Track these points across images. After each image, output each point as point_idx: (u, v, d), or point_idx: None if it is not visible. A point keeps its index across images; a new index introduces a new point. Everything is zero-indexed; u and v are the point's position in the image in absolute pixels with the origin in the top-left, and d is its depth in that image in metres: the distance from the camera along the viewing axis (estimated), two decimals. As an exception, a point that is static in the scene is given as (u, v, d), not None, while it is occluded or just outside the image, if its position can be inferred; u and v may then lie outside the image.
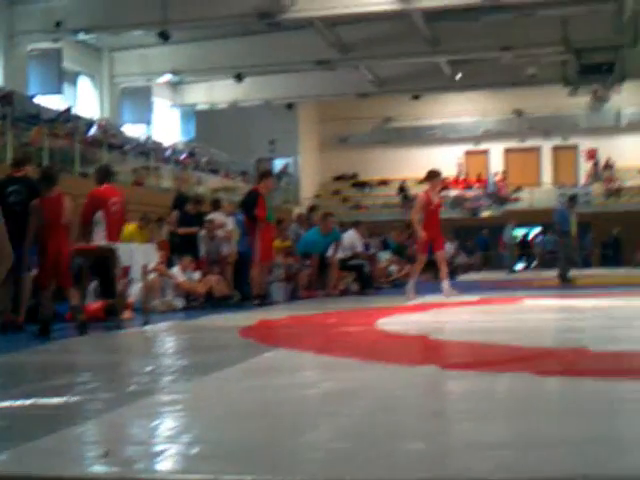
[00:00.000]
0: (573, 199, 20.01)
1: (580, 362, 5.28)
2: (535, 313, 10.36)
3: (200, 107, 35.67)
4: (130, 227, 12.30)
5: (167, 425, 3.61)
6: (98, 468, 2.87)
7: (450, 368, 5.00)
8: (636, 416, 3.60)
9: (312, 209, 19.14)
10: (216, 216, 14.70)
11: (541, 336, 7.52)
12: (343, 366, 5.30)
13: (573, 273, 18.72)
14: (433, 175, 13.80)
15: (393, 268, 21.43)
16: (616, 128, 40.91)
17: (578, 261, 19.42)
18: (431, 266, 25.19)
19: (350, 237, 17.08)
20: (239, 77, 31.38)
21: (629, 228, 35.42)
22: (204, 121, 35.52)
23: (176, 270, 12.98)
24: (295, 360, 5.73)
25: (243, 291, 14.07)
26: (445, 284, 13.52)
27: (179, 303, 12.69)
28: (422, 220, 13.32)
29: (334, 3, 24.99)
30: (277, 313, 11.05)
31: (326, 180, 43.43)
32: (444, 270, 13.80)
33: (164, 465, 2.88)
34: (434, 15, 27.66)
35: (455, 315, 10.23)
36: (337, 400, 4.12)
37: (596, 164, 41.10)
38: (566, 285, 17.57)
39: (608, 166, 41.02)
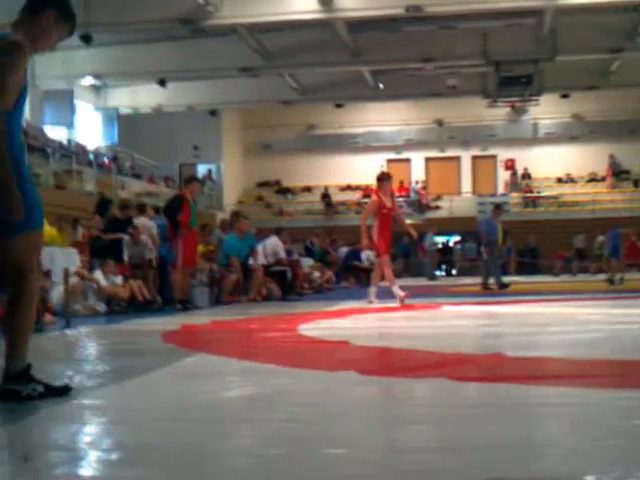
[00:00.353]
0: (498, 208, 20.28)
1: (497, 368, 5.36)
2: (454, 319, 10.47)
3: (123, 111, 35.31)
4: (50, 231, 12.12)
5: (88, 430, 3.57)
6: (17, 473, 2.83)
7: (369, 374, 5.03)
8: (551, 420, 3.67)
9: (235, 215, 19.12)
10: (142, 220, 14.60)
11: (459, 342, 7.61)
12: (265, 371, 5.30)
13: (492, 280, 18.98)
14: (383, 177, 13.59)
15: (316, 274, 21.50)
16: (534, 139, 41.66)
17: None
18: (353, 271, 25.50)
19: (273, 243, 17.09)
20: (162, 82, 31.18)
21: (545, 237, 36.07)
22: (127, 125, 35.18)
23: (98, 274, 12.84)
24: (218, 365, 5.71)
25: (165, 296, 13.98)
26: (372, 290, 13.44)
27: (101, 307, 12.55)
28: (374, 224, 13.10)
29: (258, 10, 24.95)
30: (200, 318, 11.00)
31: (249, 186, 43.36)
32: (376, 276, 13.66)
33: (84, 471, 2.85)
34: (357, 25, 27.83)
35: (376, 321, 10.31)
36: (260, 406, 4.12)
37: (514, 174, 41.77)
38: (502, 291, 17.79)
39: (526, 176, 41.73)
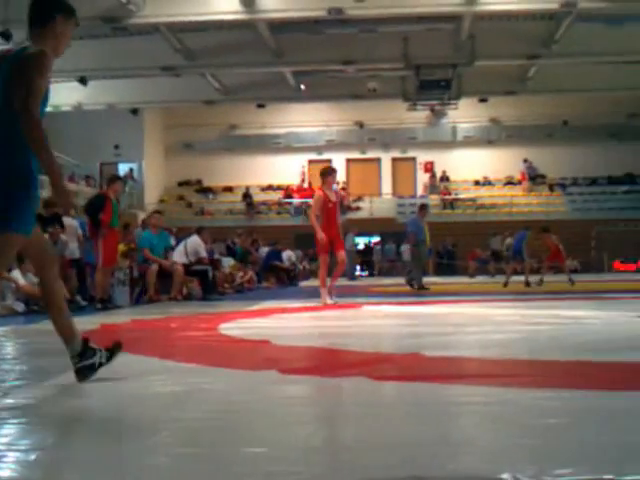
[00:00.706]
0: (424, 208, 20.40)
1: (415, 367, 5.40)
2: (374, 319, 10.53)
3: (43, 109, 34.74)
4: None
5: (4, 431, 3.50)
6: None
7: (290, 373, 5.03)
8: (468, 419, 3.70)
9: (156, 214, 18.95)
10: (67, 220, 14.39)
11: (379, 341, 7.66)
12: (185, 370, 5.26)
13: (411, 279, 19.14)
14: (327, 172, 13.34)
15: (240, 274, 21.46)
16: (452, 142, 42.20)
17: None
18: (274, 271, 25.49)
19: (194, 242, 16.97)
20: (83, 80, 30.76)
21: (463, 238, 36.55)
22: (47, 123, 34.44)
23: (16, 273, 12.60)
24: (138, 364, 5.64)
25: (85, 295, 13.79)
26: (329, 289, 13.18)
27: (19, 307, 12.32)
28: (320, 220, 12.95)
29: (180, 10, 24.81)
30: (120, 317, 10.88)
31: (171, 185, 43.05)
32: (338, 274, 13.49)
33: (2, 472, 2.79)
34: (279, 26, 27.85)
35: (297, 320, 10.30)
36: (180, 404, 4.09)
37: (433, 176, 42.22)
38: (422, 292, 17.89)
39: (444, 178, 42.19)
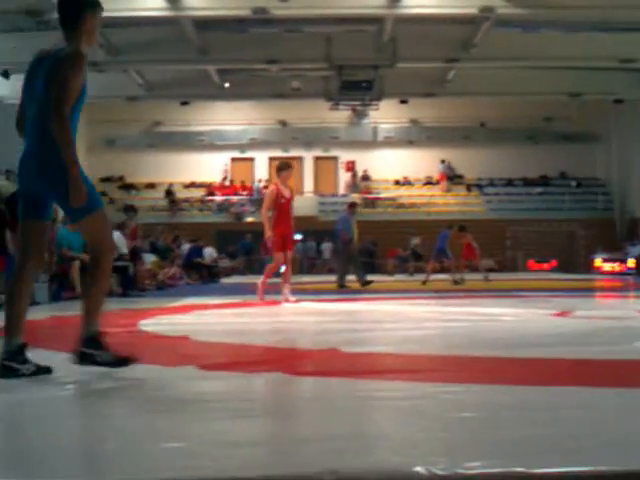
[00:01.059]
0: (354, 205, 20.40)
1: (332, 362, 5.41)
2: (294, 316, 10.52)
3: (-36, 102, 34.03)
4: None
5: None
6: None
7: (208, 369, 4.99)
8: (383, 413, 3.71)
9: None
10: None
11: (297, 337, 7.65)
12: (102, 368, 5.18)
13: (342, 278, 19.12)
14: (283, 167, 12.96)
15: (165, 270, 21.30)
16: (373, 142, 42.40)
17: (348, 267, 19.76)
18: (196, 268, 25.33)
19: (115, 238, 16.73)
20: (6, 74, 30.15)
21: (383, 237, 36.79)
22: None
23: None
24: (55, 362, 5.54)
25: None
26: (286, 288, 12.84)
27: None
28: (272, 216, 12.60)
29: (105, 5, 24.16)
30: (39, 314, 10.67)
31: (93, 181, 42.46)
32: (288, 273, 13.09)
33: None
34: (204, 24, 27.66)
35: (217, 317, 10.25)
36: (96, 400, 4.03)
37: (354, 175, 42.40)
38: (341, 290, 17.89)
39: (365, 178, 42.41)
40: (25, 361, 4.72)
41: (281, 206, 12.63)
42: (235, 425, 3.36)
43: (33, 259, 4.88)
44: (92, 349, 4.80)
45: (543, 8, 25.22)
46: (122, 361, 4.85)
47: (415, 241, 35.87)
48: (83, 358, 4.80)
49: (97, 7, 5.07)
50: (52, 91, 4.73)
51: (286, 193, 12.72)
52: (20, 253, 4.94)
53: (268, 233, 12.42)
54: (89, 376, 4.78)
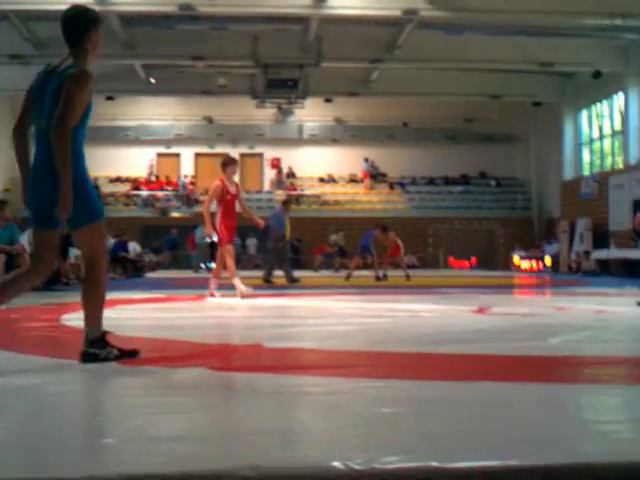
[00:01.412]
0: (287, 203, 20.35)
1: (255, 358, 5.41)
2: (219, 311, 10.47)
3: None
4: None
5: None
6: None
7: (130, 364, 4.95)
8: (304, 408, 3.72)
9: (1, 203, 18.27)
10: None
11: (221, 333, 7.63)
12: (26, 361, 5.10)
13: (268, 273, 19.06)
14: (228, 162, 12.64)
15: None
16: (299, 140, 42.46)
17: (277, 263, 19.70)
18: (121, 262, 25.04)
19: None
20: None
21: (307, 233, 36.85)
22: None
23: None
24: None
25: None
26: (213, 282, 12.52)
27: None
28: (217, 211, 12.26)
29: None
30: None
31: (16, 175, 41.66)
32: (218, 267, 12.69)
33: None
34: (131, 19, 27.38)
35: (142, 312, 10.16)
36: (21, 396, 3.97)
37: (279, 172, 42.40)
38: (293, 284, 17.83)
39: (290, 175, 42.45)
40: None
41: (227, 202, 12.33)
42: (158, 420, 3.34)
43: (44, 264, 5.16)
44: (97, 349, 5.02)
45: (465, 11, 25.50)
46: (130, 354, 5.13)
47: (334, 237, 35.99)
48: (86, 357, 4.99)
49: (99, 23, 5.23)
50: (57, 108, 4.90)
51: (232, 189, 12.42)
52: (33, 259, 5.20)
53: (209, 229, 12.22)
54: (5, 367, 4.71)
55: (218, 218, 12.29)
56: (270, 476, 2.49)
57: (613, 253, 29.25)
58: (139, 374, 4.67)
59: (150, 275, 26.72)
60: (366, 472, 2.49)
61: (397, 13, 25.60)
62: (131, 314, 9.74)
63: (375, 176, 42.94)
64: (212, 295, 12.35)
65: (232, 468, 2.52)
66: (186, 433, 3.12)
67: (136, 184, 41.60)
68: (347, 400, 3.78)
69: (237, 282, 12.35)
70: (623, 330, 7.81)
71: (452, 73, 33.97)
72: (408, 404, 3.68)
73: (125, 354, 5.10)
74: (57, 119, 4.86)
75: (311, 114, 39.98)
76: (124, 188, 41.25)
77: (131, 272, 25.38)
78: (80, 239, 5.21)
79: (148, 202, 40.20)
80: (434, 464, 2.55)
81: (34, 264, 5.13)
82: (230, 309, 10.79)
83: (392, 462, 2.56)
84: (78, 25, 5.11)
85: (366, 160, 42.64)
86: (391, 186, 42.74)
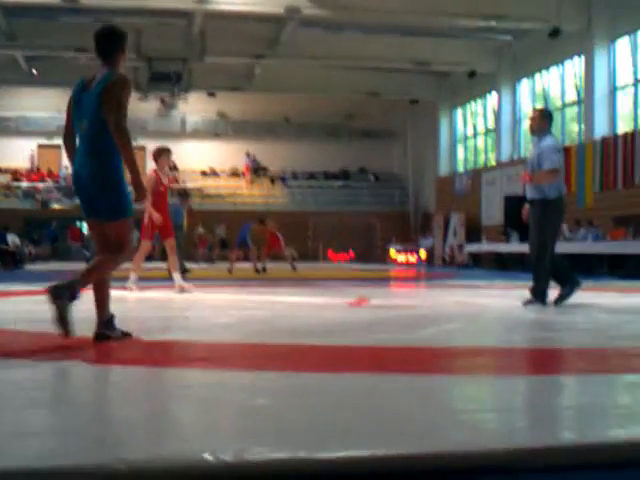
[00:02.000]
0: (185, 195, 20.07)
1: (132, 351, 5.34)
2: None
3: None
4: None
5: None
6: None
7: (4, 356, 4.83)
8: (177, 401, 3.69)
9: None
10: None
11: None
12: None
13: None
14: (161, 152, 12.03)
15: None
16: (182, 134, 42.12)
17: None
18: (1, 254, 24.36)
19: None
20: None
21: (189, 226, 36.54)
22: None
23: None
24: None
25: None
26: (177, 277, 11.84)
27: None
28: (147, 203, 11.43)
29: None
30: None
31: None
32: (173, 261, 11.96)
33: None
34: (13, 10, 26.67)
35: (19, 304, 9.89)
36: None
37: (162, 165, 41.96)
38: (184, 276, 17.43)
39: (173, 168, 42.05)
40: None
41: (160, 194, 11.77)
42: (28, 415, 3.26)
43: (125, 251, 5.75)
44: (108, 330, 5.66)
45: (345, 10, 25.73)
46: (126, 334, 5.73)
47: (221, 230, 35.94)
48: (101, 337, 5.60)
49: (126, 38, 5.94)
50: (109, 111, 5.41)
51: (165, 181, 11.90)
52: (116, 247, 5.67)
53: (157, 215, 11.54)
54: None
55: (147, 210, 11.68)
56: (141, 469, 2.46)
57: (485, 247, 30.01)
58: (12, 367, 4.53)
59: (30, 267, 26.06)
60: (236, 464, 2.49)
61: (280, 10, 25.65)
62: (8, 307, 9.49)
63: (257, 170, 42.94)
64: (130, 289, 11.60)
65: (103, 462, 2.48)
66: (59, 427, 3.05)
67: (16, 175, 40.53)
68: (221, 392, 3.77)
69: (177, 278, 11.84)
70: (492, 321, 7.99)
71: (333, 70, 34.25)
72: (281, 395, 3.69)
73: (125, 335, 5.70)
74: (115, 124, 5.39)
75: (194, 108, 39.73)
76: (4, 179, 40.14)
77: (10, 264, 24.71)
78: (109, 231, 5.61)
79: (29, 194, 39.21)
80: (302, 455, 2.56)
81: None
82: (117, 301, 10.60)
83: (264, 452, 2.56)
84: (112, 41, 5.81)
85: (248, 154, 42.60)
86: (272, 180, 42.82)
